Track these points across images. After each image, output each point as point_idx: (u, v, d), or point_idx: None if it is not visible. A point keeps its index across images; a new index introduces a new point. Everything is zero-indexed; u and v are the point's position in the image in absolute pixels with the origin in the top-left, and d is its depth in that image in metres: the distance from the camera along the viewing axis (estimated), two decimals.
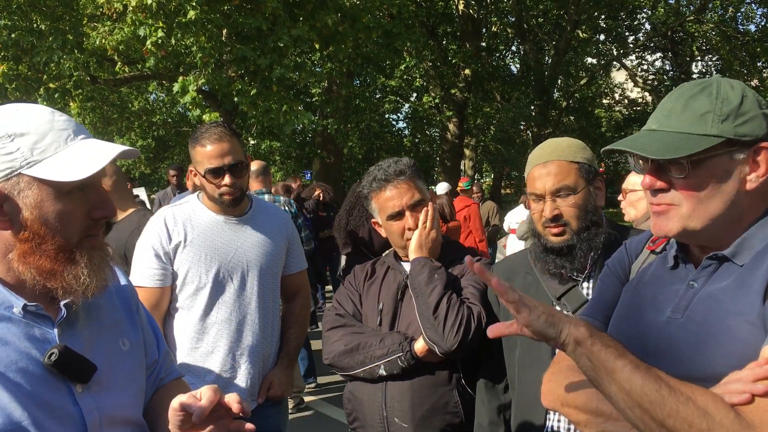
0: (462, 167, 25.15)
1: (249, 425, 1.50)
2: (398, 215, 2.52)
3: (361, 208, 5.19)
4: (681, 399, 1.22)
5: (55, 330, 1.47)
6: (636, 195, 4.00)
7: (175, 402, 1.45)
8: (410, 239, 2.49)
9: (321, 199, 10.35)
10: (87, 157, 1.43)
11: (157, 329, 1.88)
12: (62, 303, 1.49)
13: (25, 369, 1.39)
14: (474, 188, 12.18)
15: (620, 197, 4.18)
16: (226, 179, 2.79)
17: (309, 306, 3.36)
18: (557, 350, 1.70)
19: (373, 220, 2.67)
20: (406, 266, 2.54)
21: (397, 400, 2.40)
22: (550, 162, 2.17)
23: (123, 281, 1.76)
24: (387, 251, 2.75)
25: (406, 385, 2.40)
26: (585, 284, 2.16)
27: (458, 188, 11.31)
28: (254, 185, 6.47)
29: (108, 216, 1.53)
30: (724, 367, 1.29)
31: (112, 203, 1.55)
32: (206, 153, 2.79)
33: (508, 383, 2.33)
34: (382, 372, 2.39)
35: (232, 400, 1.47)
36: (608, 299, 1.70)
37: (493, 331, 1.42)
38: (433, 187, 11.12)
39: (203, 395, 1.44)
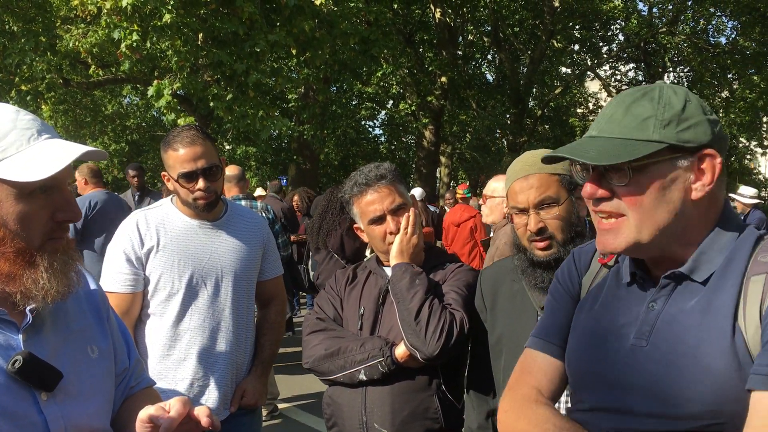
0: (438, 174, 25.22)
1: None
2: (379, 219, 2.51)
3: (333, 212, 5.18)
4: None
5: (20, 336, 1.43)
6: (495, 201, 4.40)
7: (143, 414, 1.42)
8: (392, 243, 2.48)
9: (297, 207, 10.31)
10: (50, 156, 1.39)
11: (128, 336, 1.83)
12: (27, 308, 1.44)
13: None
14: (447, 195, 12.18)
15: (481, 201, 4.53)
16: (200, 183, 2.74)
17: (284, 312, 3.32)
18: (518, 362, 1.68)
19: (354, 225, 2.65)
20: (388, 271, 2.52)
21: (377, 405, 2.39)
22: (531, 175, 2.16)
23: (93, 286, 1.72)
24: (369, 256, 2.73)
25: (386, 390, 2.39)
26: None
27: (458, 196, 10.99)
28: (232, 191, 6.42)
29: (72, 219, 1.47)
30: (697, 401, 1.25)
31: (77, 206, 1.50)
32: (179, 157, 2.73)
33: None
34: (363, 377, 2.38)
35: (201, 413, 1.44)
36: (561, 320, 1.62)
37: None
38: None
39: (172, 407, 1.41)
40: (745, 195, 9.72)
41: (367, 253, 3.83)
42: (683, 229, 1.36)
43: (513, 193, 2.20)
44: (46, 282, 1.42)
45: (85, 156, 1.44)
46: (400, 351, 2.34)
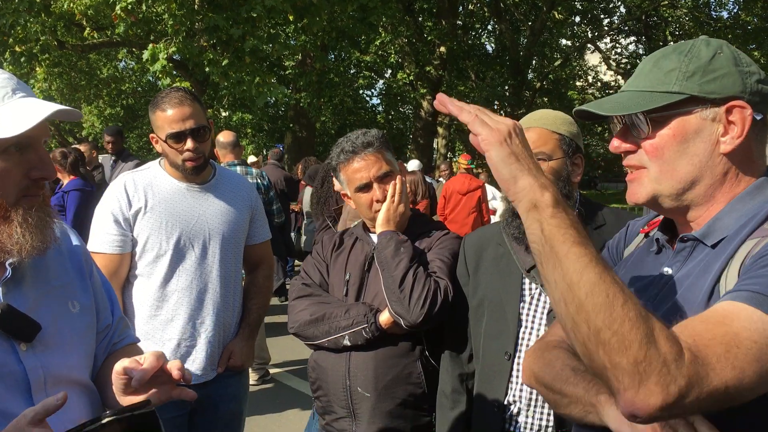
0: (435, 145, 25.15)
1: (189, 392, 1.50)
2: (366, 187, 2.51)
3: (330, 181, 5.18)
4: (633, 314, 1.06)
5: (0, 289, 1.47)
6: None
7: (118, 366, 1.46)
8: (378, 211, 2.49)
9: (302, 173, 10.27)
10: (24, 114, 1.40)
11: (112, 293, 1.86)
12: (7, 263, 1.48)
13: None
14: (443, 166, 12.13)
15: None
16: (189, 144, 2.74)
17: (272, 277, 3.35)
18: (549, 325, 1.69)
19: (342, 191, 2.66)
20: (375, 238, 2.54)
21: (361, 369, 2.42)
22: (532, 128, 2.20)
23: (75, 242, 1.74)
24: (356, 222, 2.74)
25: (369, 356, 2.42)
26: None
27: (461, 167, 10.94)
28: (227, 157, 6.40)
29: (47, 177, 1.50)
30: None
31: (52, 164, 1.52)
32: (167, 117, 2.73)
33: (472, 353, 2.36)
34: (347, 342, 2.40)
35: (173, 366, 1.47)
36: None
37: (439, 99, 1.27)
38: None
39: (146, 360, 1.45)
40: None
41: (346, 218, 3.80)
42: (709, 186, 1.34)
43: None
44: (20, 237, 1.44)
45: (58, 114, 1.45)
46: (384, 318, 2.37)
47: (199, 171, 2.84)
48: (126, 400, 1.49)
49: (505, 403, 2.17)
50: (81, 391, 1.60)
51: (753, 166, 1.35)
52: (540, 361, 1.51)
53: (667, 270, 1.40)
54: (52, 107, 1.44)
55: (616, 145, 1.41)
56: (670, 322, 1.19)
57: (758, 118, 1.31)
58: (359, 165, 2.51)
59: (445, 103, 1.27)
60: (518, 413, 2.14)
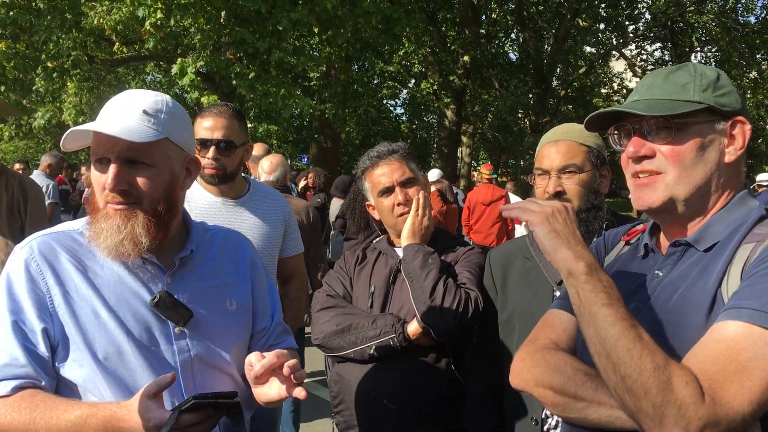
0: (459, 154, 25.13)
1: (301, 392, 1.61)
2: (388, 191, 2.53)
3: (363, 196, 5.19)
4: (648, 365, 1.20)
5: (165, 278, 1.76)
6: None
7: (247, 358, 1.70)
8: (401, 215, 2.50)
9: (311, 184, 10.30)
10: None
11: (276, 301, 2.06)
12: (176, 258, 1.78)
13: (134, 306, 1.70)
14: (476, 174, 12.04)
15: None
16: (210, 152, 2.82)
17: (304, 289, 3.40)
18: (539, 320, 1.73)
19: (366, 202, 2.67)
20: (399, 252, 2.55)
21: (387, 381, 2.42)
22: (561, 141, 2.23)
23: (246, 249, 2.00)
24: (379, 237, 2.77)
25: (395, 367, 2.42)
26: None
27: (483, 177, 10.90)
28: (257, 170, 6.45)
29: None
30: (679, 355, 1.28)
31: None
32: (200, 123, 2.85)
33: (501, 366, 2.35)
34: (373, 353, 2.39)
35: (286, 365, 1.62)
36: None
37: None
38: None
39: (267, 356, 1.64)
40: (763, 180, 9.61)
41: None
42: (712, 193, 1.45)
43: (540, 157, 2.27)
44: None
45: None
46: (413, 328, 2.37)
47: (220, 181, 2.90)
48: (256, 390, 1.70)
49: (543, 416, 2.16)
50: (226, 378, 1.81)
51: (738, 180, 1.49)
52: (543, 365, 1.52)
53: (658, 273, 1.48)
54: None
55: (633, 150, 1.47)
56: (672, 325, 1.34)
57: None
58: (383, 170, 2.54)
59: (510, 210, 1.48)
60: (556, 426, 2.14)
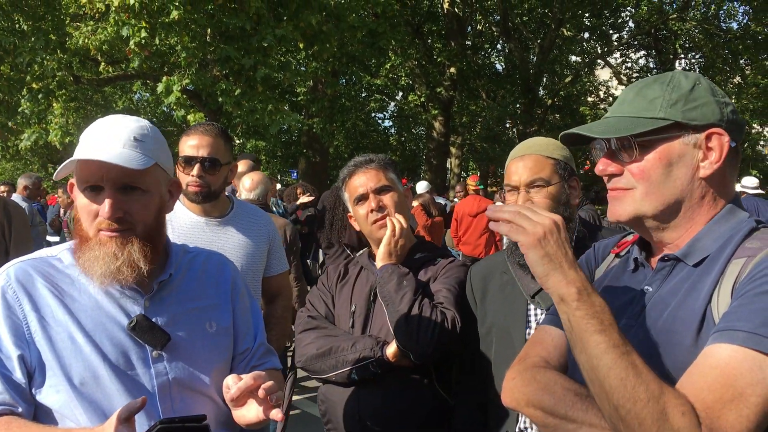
0: (448, 165, 25.19)
1: (278, 414, 1.60)
2: (363, 198, 2.52)
3: (344, 207, 5.20)
4: (642, 395, 1.18)
5: (143, 302, 1.75)
6: None
7: (225, 380, 1.69)
8: (375, 222, 2.48)
9: (307, 199, 10.28)
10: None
11: (260, 321, 2.05)
12: (155, 282, 1.78)
13: (111, 331, 1.70)
14: (458, 187, 12.10)
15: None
16: (195, 170, 2.81)
17: (290, 307, 3.38)
18: (531, 337, 1.72)
19: (348, 214, 2.66)
20: None
21: (370, 403, 2.39)
22: (527, 156, 2.24)
23: (228, 271, 1.99)
24: (361, 251, 2.75)
25: (378, 388, 2.39)
26: None
27: (470, 187, 10.86)
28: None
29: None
30: (670, 374, 1.28)
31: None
32: (186, 141, 2.85)
33: (485, 380, 2.35)
34: (354, 377, 2.38)
35: (262, 387, 1.60)
36: None
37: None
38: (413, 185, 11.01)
39: (243, 378, 1.63)
40: (748, 186, 9.67)
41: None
42: (688, 208, 1.42)
43: (509, 173, 2.29)
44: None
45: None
46: (392, 350, 2.33)
47: (203, 199, 2.89)
48: (235, 413, 1.69)
49: (517, 430, 2.16)
50: (206, 401, 1.81)
51: (726, 190, 1.45)
52: (533, 384, 1.50)
53: (648, 288, 1.47)
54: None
55: (601, 168, 1.48)
56: (662, 345, 1.31)
57: (733, 145, 1.40)
58: (359, 179, 2.54)
59: (496, 215, 1.40)
60: None
